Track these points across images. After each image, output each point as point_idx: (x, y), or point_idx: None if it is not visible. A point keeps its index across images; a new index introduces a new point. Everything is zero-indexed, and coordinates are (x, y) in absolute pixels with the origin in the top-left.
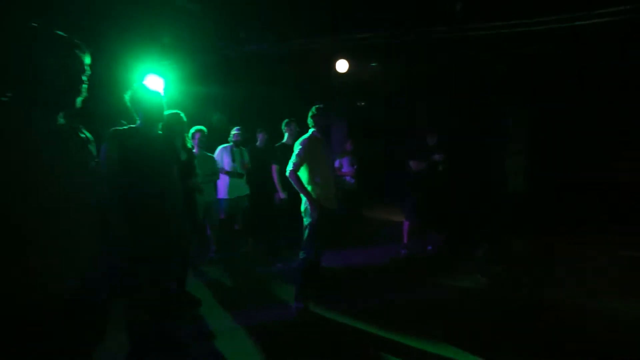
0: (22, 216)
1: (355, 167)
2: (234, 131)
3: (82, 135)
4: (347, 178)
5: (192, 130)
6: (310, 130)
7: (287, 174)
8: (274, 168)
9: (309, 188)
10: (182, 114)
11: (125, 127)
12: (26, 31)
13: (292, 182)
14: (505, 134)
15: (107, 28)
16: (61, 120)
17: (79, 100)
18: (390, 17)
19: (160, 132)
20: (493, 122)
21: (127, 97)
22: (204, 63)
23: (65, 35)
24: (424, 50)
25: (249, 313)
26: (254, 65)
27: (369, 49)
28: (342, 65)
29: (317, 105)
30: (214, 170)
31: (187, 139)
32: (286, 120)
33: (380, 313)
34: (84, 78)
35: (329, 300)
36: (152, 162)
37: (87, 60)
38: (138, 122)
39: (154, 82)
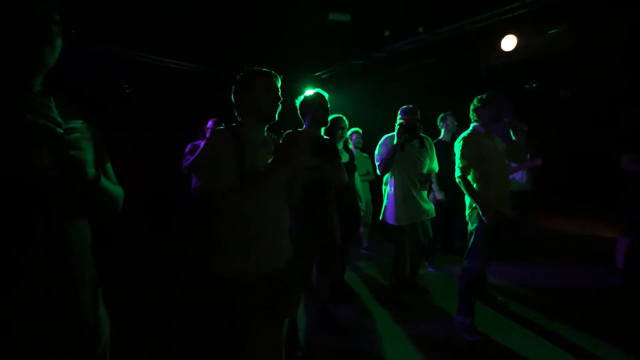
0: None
1: (537, 161)
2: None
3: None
4: (516, 176)
5: (349, 132)
6: (472, 125)
7: (457, 179)
8: None
9: (477, 190)
10: (344, 118)
11: (291, 132)
12: (251, 75)
13: (462, 188)
14: None
15: (271, 50)
16: (264, 133)
17: (277, 114)
18: None
19: (323, 134)
20: None
21: (297, 102)
22: (353, 67)
23: (270, 70)
24: None
25: (407, 317)
26: (401, 62)
27: (547, 14)
28: (508, 43)
29: (480, 96)
30: (369, 170)
31: (348, 141)
32: (441, 115)
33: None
34: (280, 98)
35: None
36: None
37: (279, 83)
38: (304, 126)
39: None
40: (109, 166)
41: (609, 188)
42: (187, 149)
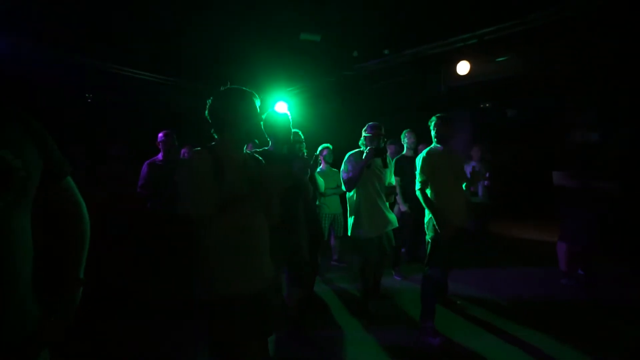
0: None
1: (487, 175)
2: (365, 132)
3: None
4: (475, 189)
5: (320, 147)
6: (433, 143)
7: (417, 193)
8: (395, 180)
9: (434, 202)
10: (300, 133)
11: (260, 150)
12: (233, 93)
13: (421, 200)
14: None
15: (240, 67)
16: (244, 151)
17: (254, 134)
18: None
19: (285, 152)
20: None
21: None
22: (323, 85)
23: (249, 90)
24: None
25: (376, 325)
26: (369, 81)
27: (495, 44)
28: (462, 68)
29: (437, 115)
30: (339, 184)
31: (305, 155)
32: (404, 132)
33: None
34: (261, 118)
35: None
36: None
37: (258, 103)
38: (270, 144)
39: (282, 108)
40: (69, 179)
41: (550, 200)
42: (143, 171)
